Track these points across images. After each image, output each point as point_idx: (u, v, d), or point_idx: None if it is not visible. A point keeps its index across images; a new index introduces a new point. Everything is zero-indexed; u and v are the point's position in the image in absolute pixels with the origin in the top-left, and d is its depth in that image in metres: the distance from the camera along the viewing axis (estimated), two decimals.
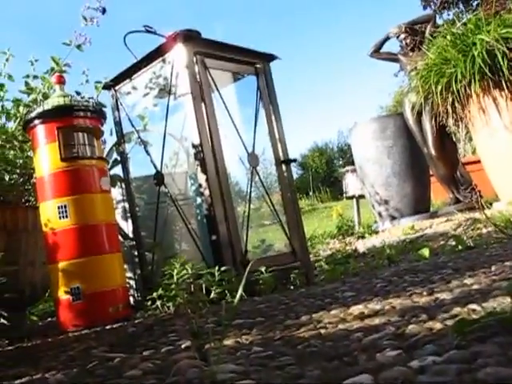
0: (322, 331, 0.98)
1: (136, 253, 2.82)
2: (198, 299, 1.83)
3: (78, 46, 2.42)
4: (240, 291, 0.80)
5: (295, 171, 22.80)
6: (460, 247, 2.13)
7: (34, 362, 1.29)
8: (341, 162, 21.11)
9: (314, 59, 44.80)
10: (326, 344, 0.87)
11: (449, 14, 11.89)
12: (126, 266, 2.97)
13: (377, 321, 0.98)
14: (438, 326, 0.85)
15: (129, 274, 2.95)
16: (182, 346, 1.12)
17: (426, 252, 2.14)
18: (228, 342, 1.07)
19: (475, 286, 1.13)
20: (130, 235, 2.89)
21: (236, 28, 45.26)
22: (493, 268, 1.37)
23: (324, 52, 44.96)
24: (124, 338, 1.48)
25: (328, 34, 44.48)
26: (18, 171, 2.51)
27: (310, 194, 15.16)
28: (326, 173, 20.24)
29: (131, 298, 2.89)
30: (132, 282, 2.95)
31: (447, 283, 1.27)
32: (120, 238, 2.92)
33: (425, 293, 1.19)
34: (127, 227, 2.90)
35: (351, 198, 6.66)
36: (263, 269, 2.08)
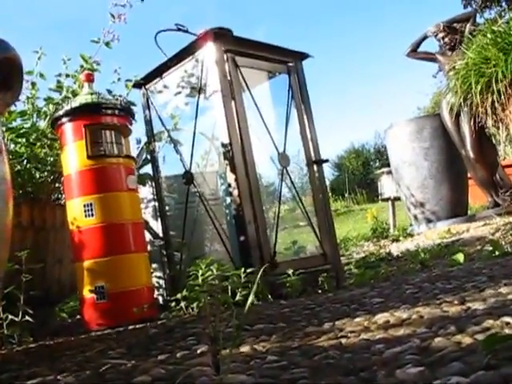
0: (343, 341, 0.93)
1: (165, 252, 2.80)
2: (221, 302, 1.79)
3: (107, 44, 2.41)
4: (251, 297, 0.75)
5: (331, 172, 22.63)
6: (497, 253, 2.03)
7: (50, 361, 1.26)
8: (377, 164, 20.84)
9: (354, 60, 44.41)
10: (345, 356, 0.81)
11: (491, 13, 11.59)
12: (155, 266, 2.96)
13: (401, 331, 0.92)
14: (467, 340, 0.79)
15: (158, 274, 2.93)
16: (198, 351, 1.08)
17: (460, 257, 2.05)
18: (245, 348, 1.02)
19: (511, 296, 1.05)
20: (160, 234, 2.87)
21: (278, 31, 45.34)
22: None
23: (364, 53, 44.56)
24: (143, 339, 1.45)
25: (368, 34, 44.06)
26: (48, 169, 2.51)
27: (346, 195, 15.01)
28: (362, 174, 20.00)
29: (160, 298, 2.88)
30: (161, 282, 2.93)
31: (480, 292, 1.20)
32: (150, 237, 2.92)
33: (456, 301, 1.12)
34: (157, 226, 2.88)
35: (386, 200, 6.53)
36: (290, 271, 2.03)
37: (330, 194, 15.26)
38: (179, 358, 1.04)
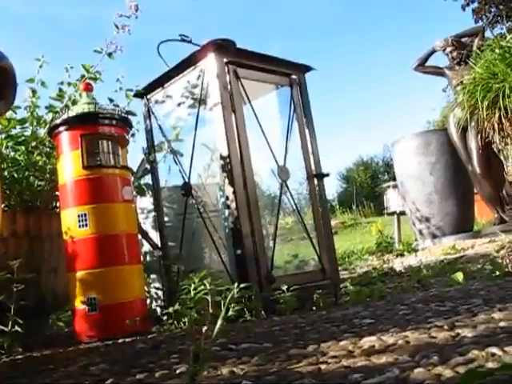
0: (323, 367, 0.90)
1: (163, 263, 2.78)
2: (208, 319, 1.75)
3: (109, 54, 2.40)
4: (220, 321, 0.72)
5: (339, 184, 22.56)
6: (497, 273, 1.99)
7: (32, 375, 1.24)
8: (386, 177, 20.76)
9: (368, 74, 44.41)
10: None
11: (502, 28, 11.55)
12: (154, 276, 2.94)
13: (384, 359, 0.88)
14: (447, 373, 0.75)
15: (157, 285, 2.91)
16: (177, 372, 1.05)
17: (459, 276, 2.01)
18: (224, 369, 0.99)
19: (502, 324, 1.02)
20: (160, 245, 2.85)
21: (291, 44, 45.58)
22: None
23: (376, 67, 44.54)
24: (129, 355, 1.42)
25: (380, 48, 44.06)
26: (46, 177, 2.50)
27: (354, 208, 14.94)
28: (370, 187, 19.91)
29: (158, 309, 2.85)
30: (160, 293, 2.91)
31: (473, 316, 1.16)
32: (149, 247, 2.90)
33: (446, 326, 1.08)
34: (157, 237, 2.86)
35: (392, 214, 6.48)
36: (285, 288, 1.99)
37: (338, 206, 15.21)
38: (157, 378, 1.02)
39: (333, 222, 13.29)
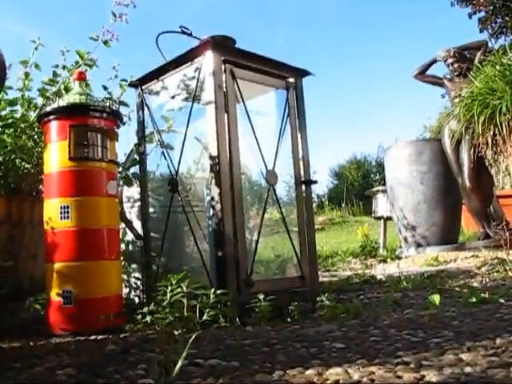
0: None
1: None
2: (182, 324, 1.75)
3: (105, 42, 2.38)
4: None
5: (330, 181, 22.56)
6: (474, 299, 2.00)
7: None
8: (377, 177, 20.79)
9: (367, 74, 44.25)
10: None
11: (506, 40, 11.55)
12: (135, 266, 2.93)
13: None
14: None
15: (137, 275, 2.91)
16: None
17: (436, 299, 2.02)
18: None
19: (468, 369, 1.01)
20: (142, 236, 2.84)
21: (297, 34, 45.37)
22: (497, 341, 1.25)
23: (377, 68, 44.38)
24: (97, 358, 1.42)
25: (384, 50, 43.85)
26: (33, 160, 2.48)
27: (343, 205, 14.97)
28: (361, 186, 19.95)
29: (136, 299, 2.85)
30: (139, 283, 2.91)
31: (441, 355, 1.16)
32: (133, 237, 2.89)
33: (412, 365, 1.08)
34: (141, 227, 2.85)
35: (379, 218, 6.50)
36: (261, 297, 1.99)
37: (327, 202, 15.24)
38: None
39: (321, 219, 13.35)
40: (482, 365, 1.05)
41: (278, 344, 1.43)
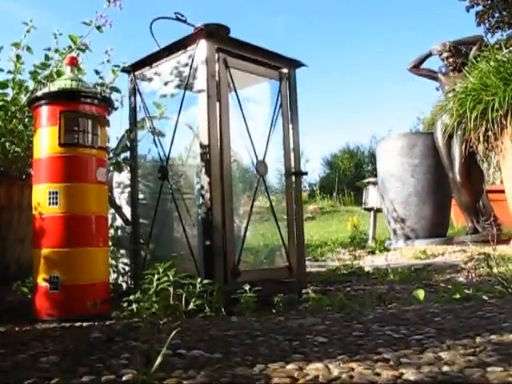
0: None
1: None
2: (167, 312, 1.76)
3: (98, 27, 2.36)
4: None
5: (322, 170, 22.60)
6: (458, 295, 2.02)
7: None
8: (369, 168, 20.84)
9: (363, 65, 44.15)
10: None
11: (502, 35, 11.55)
12: (123, 252, 2.94)
13: None
14: None
15: (125, 260, 2.91)
16: (124, 378, 1.05)
17: (420, 295, 2.04)
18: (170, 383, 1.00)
19: (445, 368, 1.03)
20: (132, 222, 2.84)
21: (296, 21, 45.10)
22: (477, 340, 1.27)
23: (375, 59, 44.26)
24: (82, 345, 1.43)
25: (381, 42, 43.69)
26: (23, 144, 2.47)
27: (334, 194, 15.02)
28: (353, 176, 20.00)
29: (124, 284, 2.86)
30: (127, 268, 2.91)
31: (421, 352, 1.17)
32: (122, 222, 2.89)
33: (392, 362, 1.09)
34: (130, 213, 2.85)
35: (369, 210, 6.53)
36: (247, 287, 2.00)
37: (319, 191, 15.28)
38: None
39: (311, 207, 13.40)
40: (460, 364, 1.06)
41: (261, 336, 1.45)
